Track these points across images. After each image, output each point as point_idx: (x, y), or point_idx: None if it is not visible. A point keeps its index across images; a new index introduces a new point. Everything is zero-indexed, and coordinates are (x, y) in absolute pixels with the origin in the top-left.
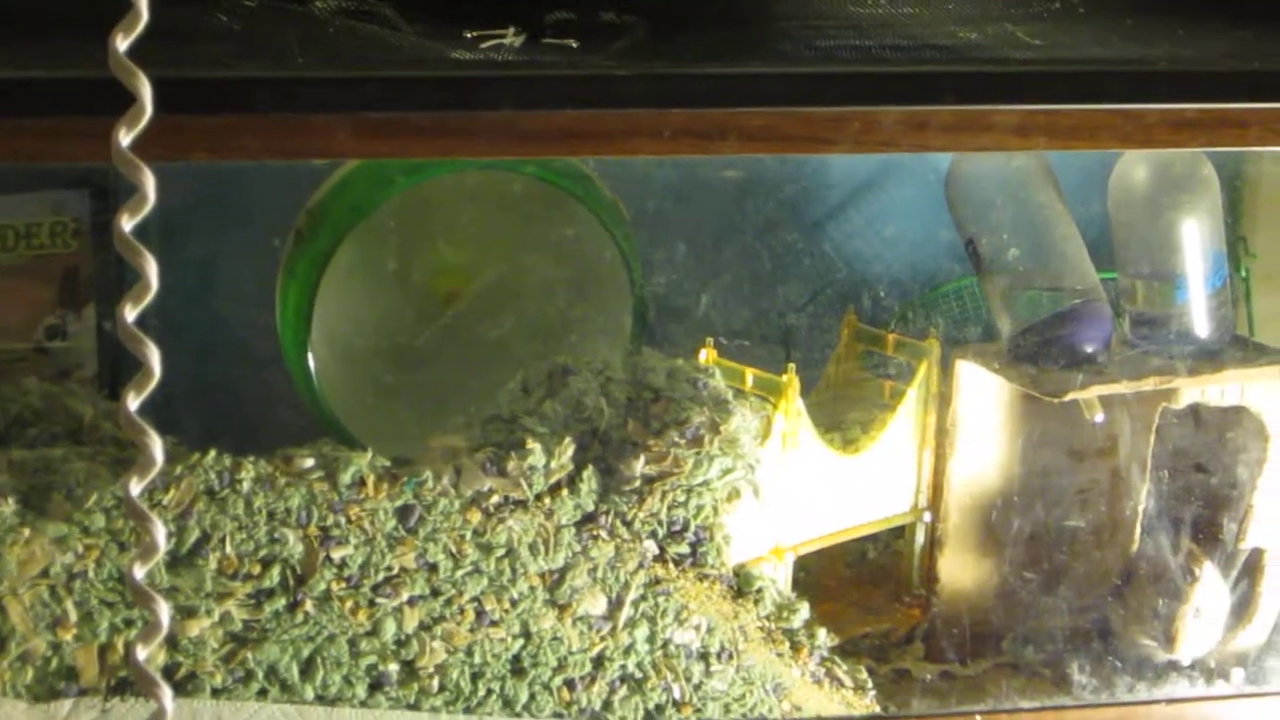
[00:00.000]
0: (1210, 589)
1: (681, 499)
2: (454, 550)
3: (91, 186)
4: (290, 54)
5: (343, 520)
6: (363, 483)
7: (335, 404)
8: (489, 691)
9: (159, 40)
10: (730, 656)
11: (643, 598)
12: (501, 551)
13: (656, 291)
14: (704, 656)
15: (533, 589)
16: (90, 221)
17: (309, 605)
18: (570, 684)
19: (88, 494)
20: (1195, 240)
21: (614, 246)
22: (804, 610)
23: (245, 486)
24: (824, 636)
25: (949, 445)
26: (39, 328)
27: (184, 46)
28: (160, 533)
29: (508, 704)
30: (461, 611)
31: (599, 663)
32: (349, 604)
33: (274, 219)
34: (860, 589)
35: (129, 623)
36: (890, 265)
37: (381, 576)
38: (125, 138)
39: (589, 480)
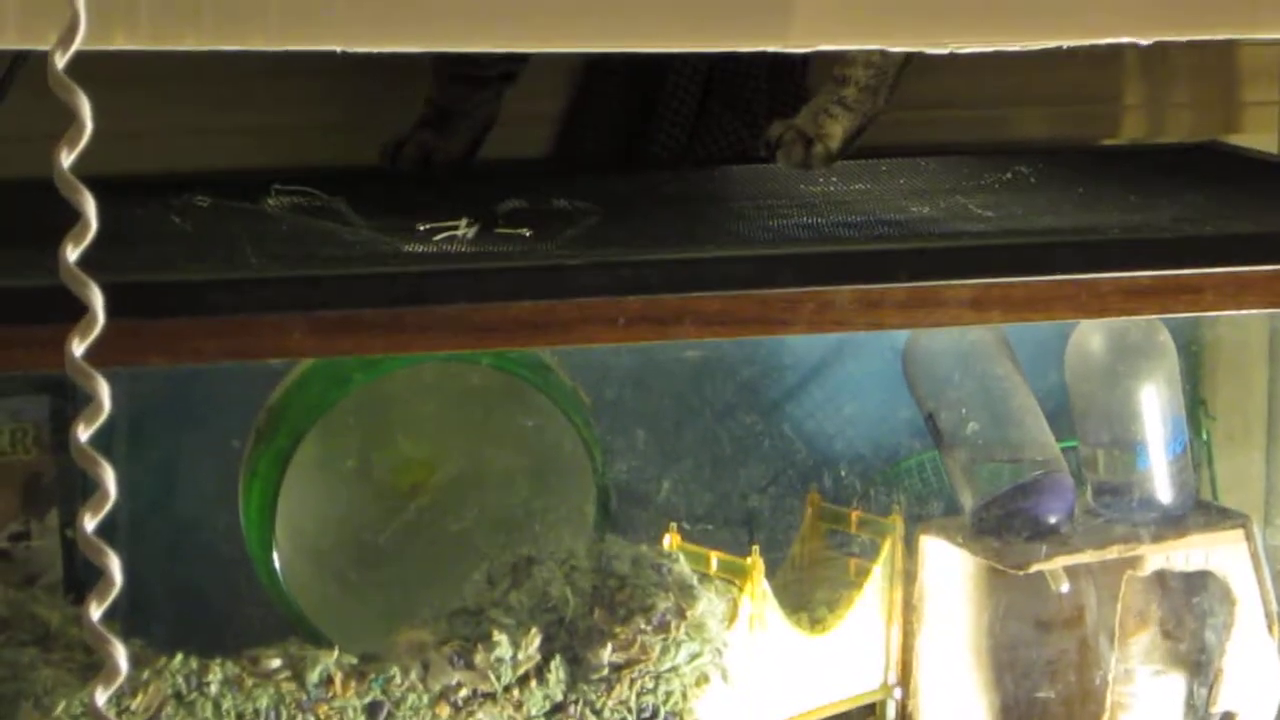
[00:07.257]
0: None
1: (650, 685)
2: None
3: (50, 392)
4: (243, 253)
5: (312, 719)
6: (330, 681)
7: (302, 601)
8: None
9: (112, 243)
10: None
11: None
12: None
13: (618, 478)
14: None
15: None
16: (50, 427)
17: None
18: None
19: (55, 701)
20: (1154, 407)
21: (574, 434)
22: None
23: (213, 689)
24: None
25: (916, 621)
26: (2, 534)
27: (137, 248)
28: None
29: None
30: None
31: None
32: None
33: (234, 418)
34: None
35: None
36: (851, 442)
37: None
38: (78, 348)
39: (557, 670)
